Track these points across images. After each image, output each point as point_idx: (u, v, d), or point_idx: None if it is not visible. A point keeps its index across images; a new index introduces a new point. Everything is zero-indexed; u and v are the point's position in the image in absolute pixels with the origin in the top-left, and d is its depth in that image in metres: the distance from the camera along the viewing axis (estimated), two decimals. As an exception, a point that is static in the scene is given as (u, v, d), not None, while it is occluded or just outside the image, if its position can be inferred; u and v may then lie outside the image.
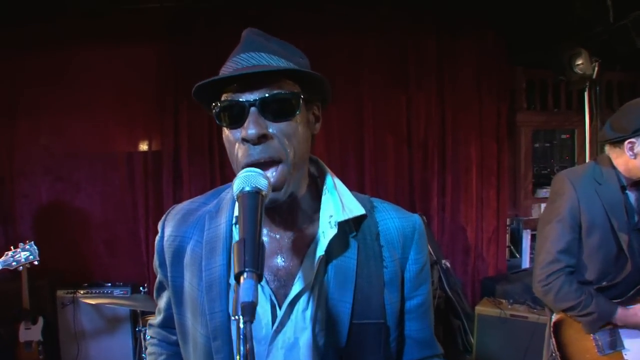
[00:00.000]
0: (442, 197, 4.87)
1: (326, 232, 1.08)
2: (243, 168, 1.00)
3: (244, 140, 1.00)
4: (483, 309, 3.93)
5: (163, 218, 1.26)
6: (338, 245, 1.09)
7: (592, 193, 2.19)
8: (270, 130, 1.01)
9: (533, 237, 5.06)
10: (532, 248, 5.07)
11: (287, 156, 1.03)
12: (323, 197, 1.15)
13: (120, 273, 4.45)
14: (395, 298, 1.14)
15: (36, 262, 3.18)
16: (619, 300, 2.19)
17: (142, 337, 3.36)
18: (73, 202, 4.51)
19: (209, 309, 1.09)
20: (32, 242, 3.22)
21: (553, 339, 2.24)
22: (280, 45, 1.11)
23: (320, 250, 1.06)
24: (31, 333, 3.89)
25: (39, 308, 4.01)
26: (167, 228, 1.22)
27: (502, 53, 4.84)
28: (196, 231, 1.17)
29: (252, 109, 1.00)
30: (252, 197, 0.92)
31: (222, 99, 1.04)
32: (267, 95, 1.01)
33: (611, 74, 5.04)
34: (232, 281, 1.07)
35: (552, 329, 2.26)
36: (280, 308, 1.06)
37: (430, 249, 4.43)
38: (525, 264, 5.10)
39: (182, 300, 1.18)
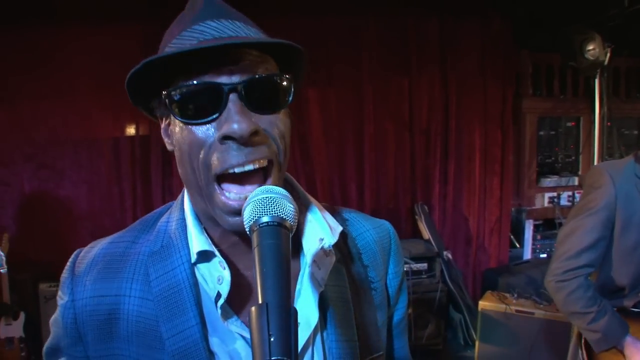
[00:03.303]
0: (444, 185, 4.73)
1: (321, 260, 0.84)
2: (217, 178, 0.75)
3: (226, 138, 0.73)
4: (487, 303, 3.78)
5: (68, 272, 0.88)
6: (330, 274, 0.86)
7: (631, 189, 2.01)
8: (260, 125, 0.75)
9: (536, 228, 4.96)
10: (535, 239, 4.97)
11: (279, 153, 0.79)
12: (301, 216, 0.88)
13: (107, 265, 4.25)
14: (384, 319, 0.96)
15: (2, 271, 2.94)
16: None
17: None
18: (56, 190, 4.28)
19: None
20: None
21: (584, 351, 2.07)
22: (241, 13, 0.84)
23: (319, 285, 0.83)
24: (12, 329, 3.68)
25: (21, 303, 3.79)
26: (82, 287, 0.84)
27: (507, 36, 4.67)
28: (136, 285, 0.83)
29: (233, 95, 0.74)
30: (273, 235, 0.64)
31: (183, 82, 0.75)
32: (255, 77, 0.75)
33: (619, 60, 4.86)
34: (214, 348, 0.80)
35: (582, 341, 2.09)
36: None
37: (432, 240, 4.30)
38: (527, 255, 5.01)
39: None
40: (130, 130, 4.36)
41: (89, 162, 4.32)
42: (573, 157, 5.05)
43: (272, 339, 0.54)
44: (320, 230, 0.86)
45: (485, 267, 4.74)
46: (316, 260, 0.84)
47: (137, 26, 4.20)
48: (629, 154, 2.16)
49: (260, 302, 0.58)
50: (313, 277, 0.84)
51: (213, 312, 0.81)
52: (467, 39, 4.63)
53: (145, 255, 0.85)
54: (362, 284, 0.91)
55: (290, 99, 0.79)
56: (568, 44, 4.12)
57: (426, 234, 4.38)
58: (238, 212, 0.74)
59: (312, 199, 0.93)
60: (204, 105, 0.74)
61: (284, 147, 0.79)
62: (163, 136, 0.87)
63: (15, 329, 3.70)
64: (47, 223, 4.24)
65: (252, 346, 0.55)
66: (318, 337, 0.84)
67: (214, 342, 0.81)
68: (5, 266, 3.00)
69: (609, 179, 2.03)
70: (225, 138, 0.74)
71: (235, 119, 0.72)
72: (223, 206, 0.77)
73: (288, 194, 0.70)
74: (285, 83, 0.78)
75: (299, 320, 0.75)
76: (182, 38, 0.78)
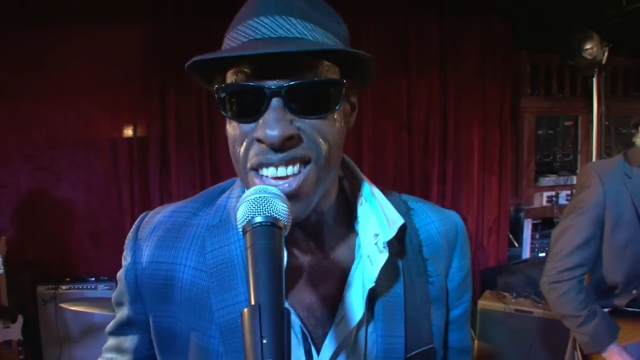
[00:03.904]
0: (443, 185, 4.71)
1: (374, 256, 0.84)
2: (252, 170, 0.76)
3: (259, 141, 0.75)
4: (486, 303, 3.79)
5: (132, 235, 0.94)
6: (383, 269, 0.85)
7: (620, 187, 2.04)
8: (298, 126, 0.75)
9: (534, 227, 4.96)
10: (533, 238, 4.97)
11: (318, 155, 0.77)
12: (359, 209, 0.90)
13: (105, 267, 4.22)
14: (441, 315, 0.96)
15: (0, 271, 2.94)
16: None
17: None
18: (54, 191, 4.26)
19: None
20: None
21: (578, 352, 2.08)
22: (311, 4, 0.80)
23: (369, 281, 0.83)
24: (10, 332, 3.66)
25: (19, 305, 3.77)
26: (144, 250, 0.90)
27: (507, 37, 4.65)
28: (192, 255, 0.87)
29: (275, 99, 0.73)
30: (267, 235, 0.64)
31: (231, 80, 0.77)
32: (298, 82, 0.73)
33: (616, 59, 4.86)
34: None
35: (578, 343, 2.10)
36: (318, 353, 0.81)
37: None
38: (526, 254, 4.99)
39: (174, 347, 0.89)
40: (129, 132, 4.34)
41: (87, 163, 4.30)
42: (571, 156, 5.05)
43: (264, 341, 0.54)
44: (376, 225, 0.86)
45: (484, 267, 4.73)
46: (369, 256, 0.85)
47: (137, 26, 4.19)
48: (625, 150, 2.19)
49: (252, 303, 0.58)
50: (365, 273, 0.85)
51: None
52: (467, 40, 4.61)
53: (204, 227, 0.89)
54: (419, 277, 0.91)
55: (339, 105, 0.78)
56: (566, 43, 4.11)
57: (425, 233, 4.37)
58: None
59: (373, 188, 0.93)
60: (247, 105, 0.75)
61: (326, 150, 0.78)
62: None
63: (14, 331, 3.68)
64: (45, 224, 4.23)
65: (244, 348, 0.55)
66: (362, 331, 0.85)
67: None
68: (3, 267, 2.99)
69: (597, 178, 2.06)
70: (259, 141, 0.75)
71: (269, 125, 0.72)
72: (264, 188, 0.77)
73: (281, 194, 0.70)
74: (332, 89, 0.77)
75: (345, 312, 0.82)
76: (237, 32, 0.78)
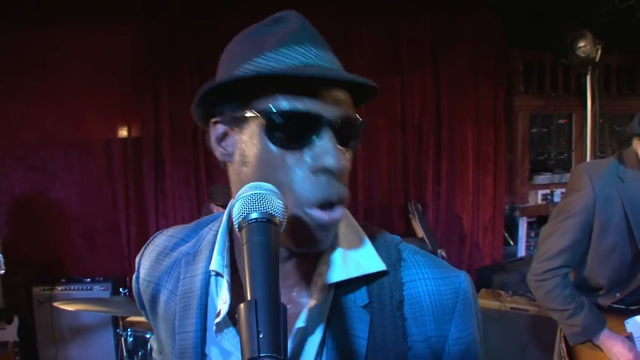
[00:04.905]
0: (437, 184, 4.72)
1: (313, 296, 0.78)
2: (315, 205, 0.73)
3: (321, 171, 0.73)
4: (481, 301, 3.78)
5: (141, 251, 1.00)
6: (341, 316, 0.78)
7: (612, 191, 2.01)
8: None
9: (529, 225, 4.98)
10: (529, 236, 4.98)
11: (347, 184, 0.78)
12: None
13: (100, 267, 4.22)
14: None
15: (2, 272, 2.93)
16: (636, 306, 2.05)
17: (122, 339, 3.15)
18: (49, 193, 4.25)
19: None
20: None
21: (563, 344, 2.10)
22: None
23: (300, 321, 0.76)
24: (6, 333, 3.64)
25: (14, 306, 3.76)
26: (142, 268, 0.97)
27: (499, 34, 4.67)
28: (170, 280, 0.91)
29: (330, 129, 0.73)
30: (262, 231, 0.63)
31: (284, 106, 0.72)
32: (349, 114, 0.75)
33: (609, 57, 4.89)
34: (209, 351, 0.83)
35: (562, 334, 2.12)
36: None
37: (426, 239, 4.29)
38: (521, 252, 5.02)
39: (163, 350, 0.96)
40: (122, 132, 4.33)
41: (81, 163, 4.29)
42: (566, 154, 5.07)
43: (261, 336, 0.54)
44: (324, 264, 0.81)
45: (479, 265, 4.74)
46: (311, 294, 0.79)
47: (128, 27, 4.18)
48: (620, 150, 2.17)
49: (249, 298, 0.57)
50: (301, 313, 0.78)
51: None
52: (459, 38, 4.62)
53: (184, 255, 0.92)
54: (395, 338, 0.79)
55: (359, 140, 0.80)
56: (559, 41, 4.12)
57: (420, 232, 4.37)
58: (328, 229, 0.76)
59: (360, 231, 0.87)
60: (296, 131, 0.73)
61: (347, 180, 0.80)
62: (213, 144, 0.83)
63: (9, 333, 3.66)
64: (40, 226, 4.22)
65: (241, 343, 0.54)
66: None
67: (212, 351, 0.84)
68: (4, 268, 3.00)
69: (588, 181, 2.04)
70: (321, 171, 0.73)
71: (335, 155, 0.72)
72: (314, 223, 0.75)
73: (277, 190, 0.69)
74: (361, 123, 0.79)
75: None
76: (280, 54, 0.75)
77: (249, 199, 0.66)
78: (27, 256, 4.05)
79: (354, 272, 0.79)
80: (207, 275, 0.86)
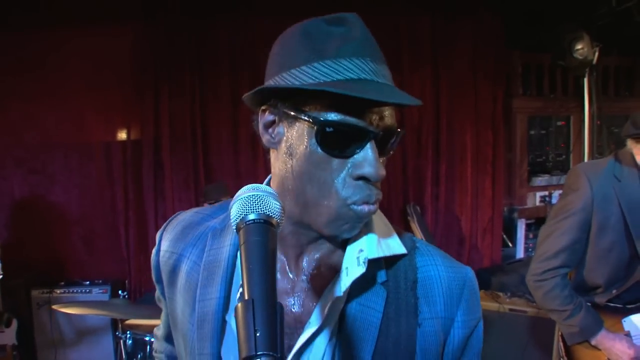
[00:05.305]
0: (436, 186, 4.74)
1: (351, 269, 0.83)
2: (356, 203, 0.80)
3: (361, 178, 0.79)
4: (480, 303, 3.79)
5: (163, 226, 1.05)
6: (361, 290, 0.85)
7: (609, 191, 2.05)
8: None
9: (528, 227, 4.98)
10: (527, 237, 4.99)
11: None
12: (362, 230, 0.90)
13: (100, 270, 4.22)
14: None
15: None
16: (632, 305, 2.06)
17: (122, 342, 3.14)
18: (48, 195, 4.25)
19: (198, 349, 0.89)
20: None
21: (561, 344, 2.11)
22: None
23: (339, 291, 0.82)
24: (5, 336, 3.63)
25: (13, 309, 3.75)
26: (164, 241, 1.01)
27: (499, 36, 4.69)
28: (195, 250, 0.95)
29: (373, 141, 0.79)
30: (260, 232, 0.66)
31: (336, 118, 0.77)
32: (392, 129, 0.81)
33: (608, 58, 4.91)
34: (229, 318, 0.88)
35: (560, 334, 2.14)
36: None
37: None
38: (520, 253, 5.02)
39: (176, 326, 0.99)
40: (122, 134, 4.33)
41: (80, 166, 4.28)
42: (564, 156, 5.09)
43: (257, 334, 0.55)
44: (364, 242, 0.87)
45: (478, 267, 4.71)
46: (347, 267, 0.84)
47: (128, 28, 4.18)
48: (616, 150, 2.19)
49: (246, 298, 0.59)
50: (338, 284, 0.84)
51: None
52: (459, 39, 4.64)
53: (211, 229, 0.96)
54: (406, 315, 0.86)
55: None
56: (557, 43, 4.14)
57: (419, 234, 4.38)
58: (364, 220, 0.84)
59: (387, 222, 0.97)
60: (345, 142, 0.78)
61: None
62: (261, 129, 0.88)
63: (8, 336, 3.65)
64: (39, 228, 4.21)
65: (238, 341, 0.56)
66: (324, 345, 0.83)
67: (232, 319, 0.85)
68: (2, 273, 3.00)
69: (586, 181, 2.07)
70: (361, 178, 0.79)
71: (375, 165, 0.78)
72: (356, 215, 0.82)
73: (274, 192, 0.71)
74: (398, 134, 0.84)
75: (310, 320, 0.83)
76: (340, 64, 0.79)
77: (247, 200, 0.68)
78: (26, 259, 4.04)
79: (386, 252, 0.87)
80: (236, 247, 0.90)
